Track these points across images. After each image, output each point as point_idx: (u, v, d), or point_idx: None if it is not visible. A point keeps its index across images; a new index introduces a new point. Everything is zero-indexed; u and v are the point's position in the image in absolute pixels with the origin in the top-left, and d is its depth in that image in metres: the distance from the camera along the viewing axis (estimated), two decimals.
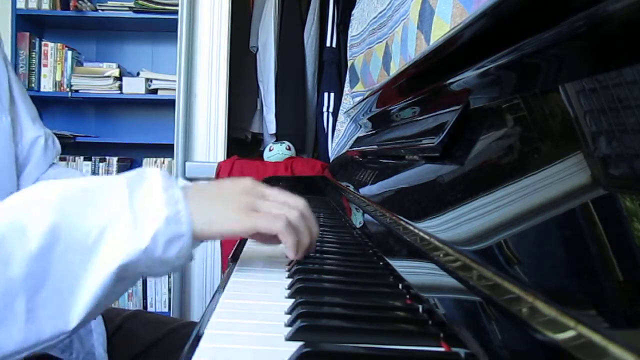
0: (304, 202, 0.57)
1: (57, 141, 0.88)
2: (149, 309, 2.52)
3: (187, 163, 2.13)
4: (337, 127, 2.04)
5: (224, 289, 0.49)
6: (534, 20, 0.40)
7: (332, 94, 2.47)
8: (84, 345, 0.72)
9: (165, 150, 2.53)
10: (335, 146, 1.92)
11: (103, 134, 2.81)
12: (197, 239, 0.50)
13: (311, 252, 0.57)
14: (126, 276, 0.46)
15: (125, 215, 0.46)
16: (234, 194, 0.53)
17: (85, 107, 2.87)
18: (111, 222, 0.45)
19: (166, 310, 2.48)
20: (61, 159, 2.62)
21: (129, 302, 2.51)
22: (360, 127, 1.48)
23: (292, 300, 0.44)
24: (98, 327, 0.75)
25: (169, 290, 2.44)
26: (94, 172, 2.69)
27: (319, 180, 1.56)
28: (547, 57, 0.41)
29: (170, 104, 2.30)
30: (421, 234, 0.47)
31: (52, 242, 0.43)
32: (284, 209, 0.53)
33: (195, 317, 2.07)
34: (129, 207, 0.46)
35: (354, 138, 1.51)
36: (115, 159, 2.72)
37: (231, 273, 0.55)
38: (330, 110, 2.47)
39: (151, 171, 0.50)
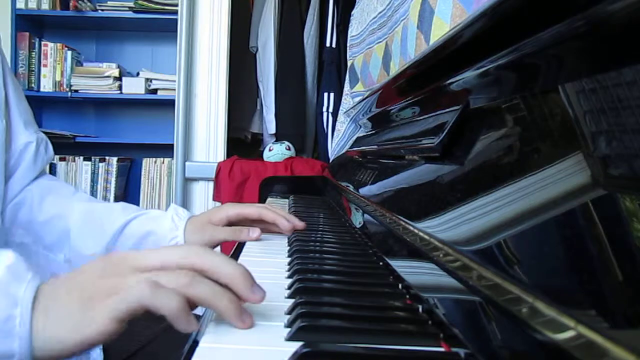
0: (195, 247, 0.41)
1: (50, 147, 0.82)
2: None
3: (187, 163, 2.13)
4: (336, 127, 2.04)
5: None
6: (534, 20, 0.40)
7: (331, 94, 2.47)
8: None
9: (165, 150, 2.53)
10: (335, 146, 1.92)
11: (103, 134, 2.81)
12: None
13: (249, 294, 0.40)
14: None
15: None
16: (86, 282, 0.38)
17: (85, 107, 2.87)
18: None
19: None
20: (61, 159, 2.62)
21: None
22: (360, 127, 1.48)
23: (292, 300, 0.44)
24: None
25: None
26: (94, 172, 2.68)
27: (319, 180, 1.56)
28: (547, 57, 0.41)
29: (170, 104, 2.30)
30: (421, 234, 0.47)
31: None
32: (154, 275, 0.38)
33: (196, 312, 2.06)
34: None
35: (354, 138, 1.51)
36: (115, 159, 2.72)
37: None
38: (330, 110, 2.47)
39: (1, 256, 0.38)
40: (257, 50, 2.58)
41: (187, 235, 0.74)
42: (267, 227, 0.78)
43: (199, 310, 0.44)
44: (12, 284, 0.36)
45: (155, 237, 0.75)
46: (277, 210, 0.76)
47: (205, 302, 0.38)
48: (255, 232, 0.71)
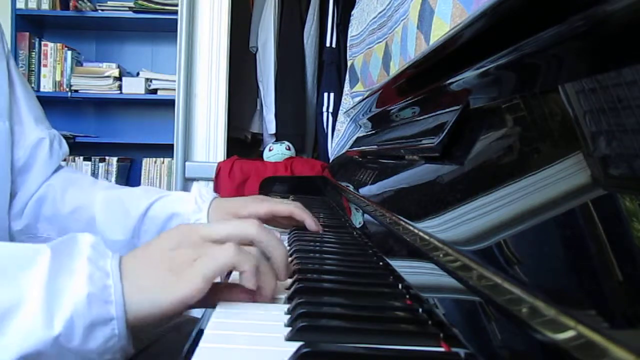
0: (255, 222, 0.48)
1: (64, 142, 0.84)
2: None
3: (187, 163, 2.13)
4: (336, 127, 2.04)
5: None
6: (534, 20, 0.40)
7: (331, 94, 2.47)
8: None
9: (165, 150, 2.54)
10: (335, 146, 1.92)
11: (103, 134, 2.81)
12: (136, 325, 0.39)
13: (282, 274, 0.48)
14: None
15: (39, 290, 0.36)
16: (164, 254, 0.43)
17: (85, 107, 2.87)
18: (24, 298, 0.36)
19: None
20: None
21: None
22: (360, 127, 1.48)
23: (292, 301, 0.44)
24: None
25: None
26: (94, 173, 2.69)
27: (319, 181, 1.56)
28: (547, 57, 0.41)
29: (170, 104, 2.31)
30: (421, 234, 0.47)
31: None
32: (229, 228, 0.45)
33: (194, 315, 2.06)
34: (47, 280, 0.37)
35: (354, 138, 1.51)
36: (115, 159, 2.72)
37: (231, 272, 0.55)
38: (330, 110, 2.47)
39: (82, 236, 0.41)
40: (257, 50, 2.58)
41: (210, 219, 0.74)
42: (275, 222, 0.79)
43: (198, 312, 0.44)
44: (99, 259, 0.40)
45: (179, 219, 0.75)
46: (305, 210, 0.77)
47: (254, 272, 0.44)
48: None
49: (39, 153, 0.78)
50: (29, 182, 0.77)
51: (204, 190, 0.78)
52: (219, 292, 0.45)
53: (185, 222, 0.74)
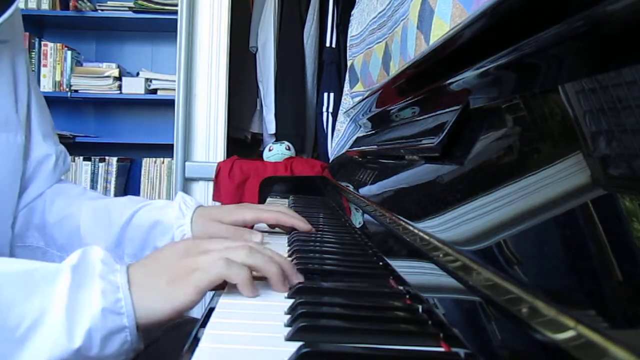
0: (245, 246, 0.50)
1: (68, 159, 0.85)
2: None
3: (186, 163, 2.13)
4: (336, 127, 2.04)
5: (223, 289, 0.49)
6: (534, 20, 0.40)
7: (331, 94, 2.47)
8: None
9: (165, 150, 2.53)
10: (335, 146, 1.92)
11: (103, 134, 2.81)
12: (142, 329, 0.44)
13: (281, 287, 0.49)
14: None
15: (61, 305, 0.40)
16: (171, 262, 0.47)
17: (85, 107, 2.87)
18: (47, 311, 0.40)
19: None
20: None
21: None
22: (360, 127, 1.48)
23: (292, 300, 0.44)
24: None
25: None
26: (94, 172, 2.69)
27: (319, 181, 1.56)
28: (547, 57, 0.41)
29: (170, 104, 2.30)
30: (421, 234, 0.47)
31: None
32: (223, 253, 0.48)
33: (194, 315, 2.06)
34: (68, 296, 0.41)
35: (354, 138, 1.51)
36: (114, 159, 2.72)
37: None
38: (330, 110, 2.47)
39: (92, 253, 0.45)
40: (257, 50, 2.58)
41: (193, 225, 0.74)
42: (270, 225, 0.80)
43: (198, 312, 0.44)
44: (109, 274, 0.43)
45: (163, 227, 0.75)
46: (292, 214, 0.77)
47: (260, 268, 0.48)
48: (257, 236, 0.72)
49: (43, 169, 0.79)
50: (27, 194, 0.77)
51: (187, 198, 0.78)
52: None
53: (169, 229, 0.74)
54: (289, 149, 2.34)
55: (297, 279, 0.50)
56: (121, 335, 0.42)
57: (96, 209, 0.78)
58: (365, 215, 0.76)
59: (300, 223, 0.76)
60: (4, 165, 0.70)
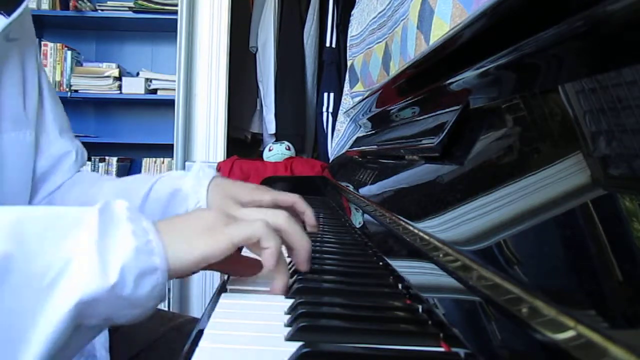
0: (284, 213, 0.51)
1: (85, 154, 0.85)
2: None
3: (186, 163, 2.13)
4: (336, 127, 2.04)
5: (223, 288, 0.49)
6: (534, 20, 0.40)
7: (331, 94, 2.47)
8: (85, 348, 0.72)
9: (165, 150, 2.54)
10: (335, 146, 1.92)
11: (103, 134, 2.81)
12: (172, 275, 0.44)
13: (304, 265, 0.51)
14: (86, 314, 0.39)
15: (92, 246, 0.40)
16: (201, 218, 0.47)
17: (85, 107, 2.87)
18: (77, 255, 0.39)
19: (165, 309, 2.48)
20: None
21: None
22: (360, 127, 1.48)
23: (292, 300, 0.44)
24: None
25: (168, 290, 2.44)
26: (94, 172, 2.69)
27: (319, 181, 1.56)
28: (547, 57, 0.41)
29: (169, 104, 2.30)
30: (421, 234, 0.47)
31: (1, 275, 0.37)
32: (261, 214, 0.48)
33: (194, 314, 2.07)
34: (98, 236, 0.40)
35: (354, 138, 1.51)
36: (114, 159, 2.72)
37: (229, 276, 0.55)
38: (330, 110, 2.47)
39: (117, 202, 0.45)
40: (257, 50, 2.58)
41: (209, 195, 0.74)
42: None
43: (198, 312, 0.44)
44: (137, 219, 0.43)
45: (182, 195, 0.75)
46: (307, 203, 0.77)
47: (295, 237, 0.49)
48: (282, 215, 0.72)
49: (62, 165, 0.79)
50: (43, 189, 0.78)
51: (206, 168, 0.77)
52: (236, 262, 0.50)
53: (186, 198, 0.74)
54: (289, 149, 2.35)
55: (307, 267, 0.51)
56: (153, 277, 0.41)
57: (116, 187, 0.79)
58: (365, 215, 0.76)
59: (311, 215, 0.75)
60: (15, 163, 0.71)
